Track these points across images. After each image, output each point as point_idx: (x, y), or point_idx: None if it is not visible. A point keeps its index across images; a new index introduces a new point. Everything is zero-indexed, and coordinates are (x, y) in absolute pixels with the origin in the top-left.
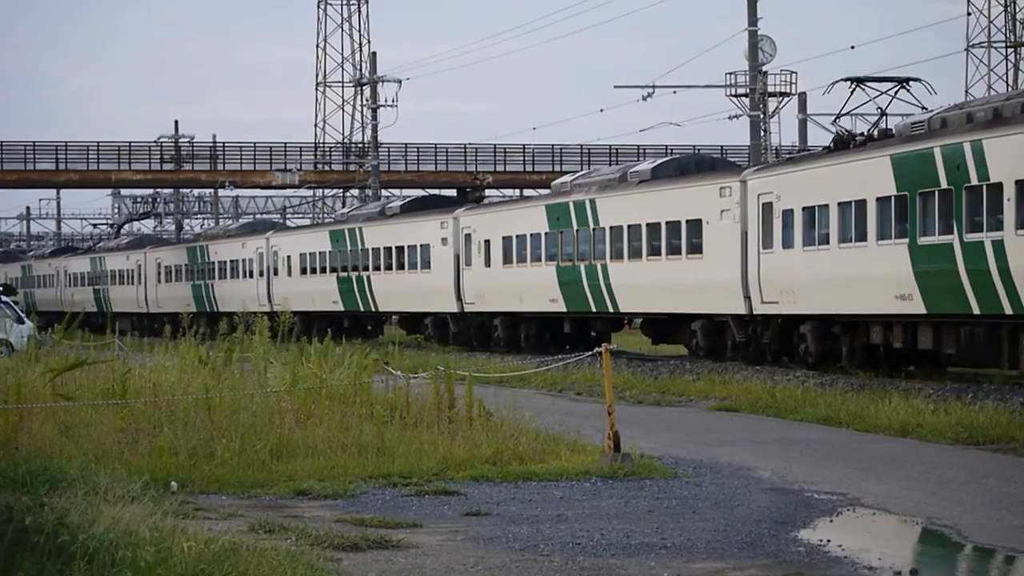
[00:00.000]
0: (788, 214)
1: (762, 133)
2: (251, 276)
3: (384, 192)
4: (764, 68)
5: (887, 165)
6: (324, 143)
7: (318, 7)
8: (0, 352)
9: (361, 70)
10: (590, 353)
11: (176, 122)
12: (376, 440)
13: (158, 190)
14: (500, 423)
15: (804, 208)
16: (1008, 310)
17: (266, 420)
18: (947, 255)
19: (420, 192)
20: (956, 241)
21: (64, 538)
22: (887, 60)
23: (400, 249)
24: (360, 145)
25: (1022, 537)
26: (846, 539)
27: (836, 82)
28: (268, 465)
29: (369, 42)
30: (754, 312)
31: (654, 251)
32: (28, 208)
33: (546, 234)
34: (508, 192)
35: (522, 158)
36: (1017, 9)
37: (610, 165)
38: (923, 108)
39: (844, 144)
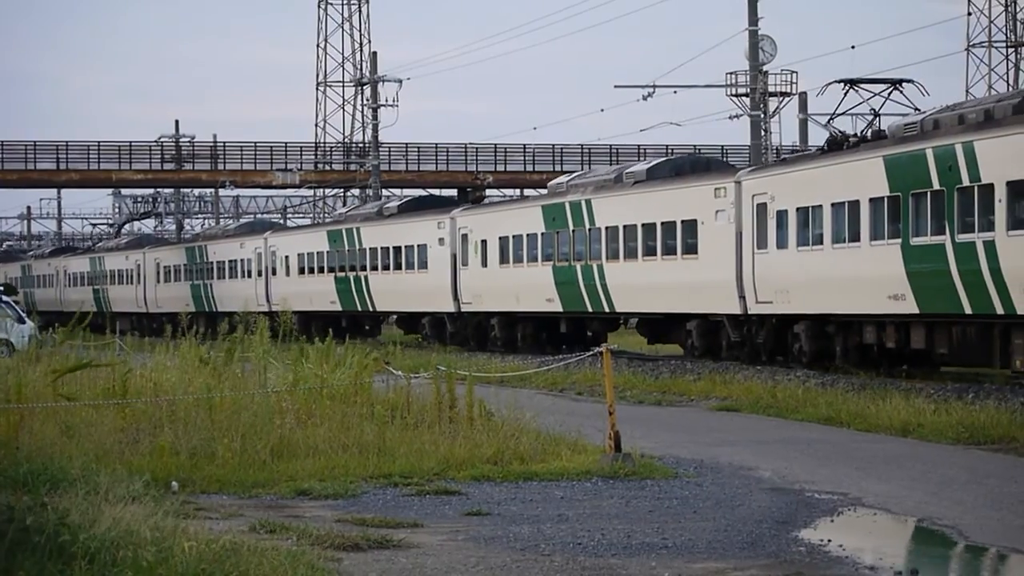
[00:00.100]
0: (782, 214)
1: (763, 133)
2: (249, 276)
3: (384, 192)
4: (764, 68)
5: (880, 166)
6: (325, 143)
7: (319, 7)
8: (1, 352)
9: (362, 70)
10: (591, 353)
11: (176, 122)
12: (377, 440)
13: (158, 190)
14: (501, 423)
15: (798, 208)
16: (1000, 310)
17: (267, 420)
18: (939, 255)
19: (420, 192)
20: (948, 242)
21: (65, 538)
22: (888, 60)
23: (397, 249)
24: (361, 145)
25: (1023, 537)
26: (847, 539)
27: (830, 83)
28: (269, 465)
29: (370, 42)
30: (749, 312)
31: (650, 251)
32: (29, 208)
33: (542, 234)
34: (509, 192)
35: (523, 158)
36: (1018, 9)
37: (611, 165)
38: (916, 109)
39: (838, 145)
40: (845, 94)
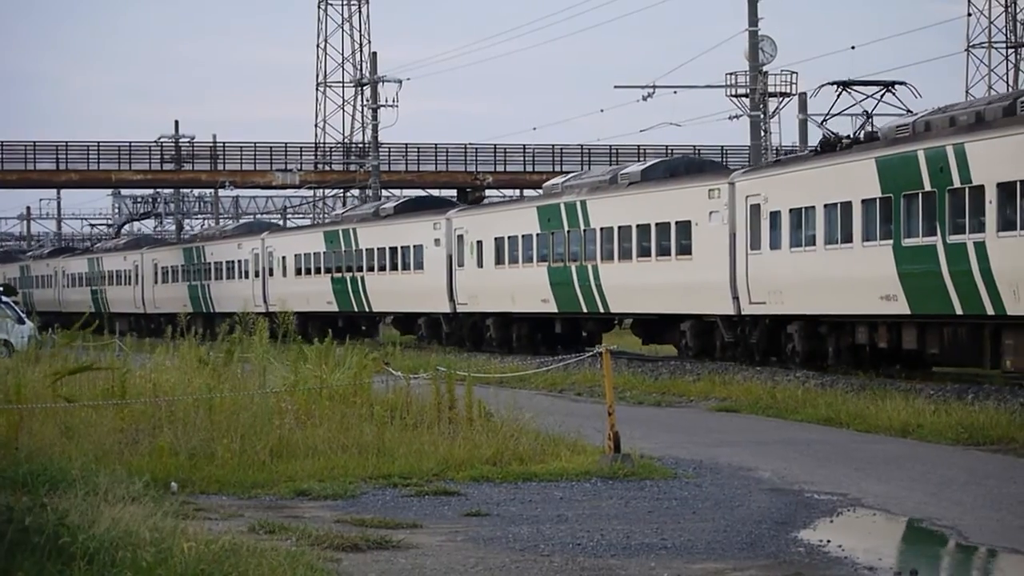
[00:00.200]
0: (775, 215)
1: (762, 133)
2: (247, 277)
3: (384, 192)
4: (764, 68)
5: (872, 167)
6: (324, 143)
7: (318, 7)
8: (0, 352)
9: (361, 70)
10: (590, 354)
11: (176, 122)
12: (376, 441)
13: (158, 190)
14: (500, 423)
15: (791, 210)
16: (990, 310)
17: (266, 420)
18: (930, 256)
19: (420, 192)
20: (939, 243)
21: (64, 538)
22: (888, 60)
23: (394, 250)
24: (360, 145)
25: (1022, 537)
26: (846, 539)
27: (823, 85)
28: (268, 465)
29: (369, 42)
30: (742, 312)
31: (644, 252)
32: (28, 208)
33: (537, 235)
34: (508, 192)
35: (522, 158)
36: (1018, 9)
37: (610, 165)
38: (908, 111)
39: (831, 146)
40: (838, 96)
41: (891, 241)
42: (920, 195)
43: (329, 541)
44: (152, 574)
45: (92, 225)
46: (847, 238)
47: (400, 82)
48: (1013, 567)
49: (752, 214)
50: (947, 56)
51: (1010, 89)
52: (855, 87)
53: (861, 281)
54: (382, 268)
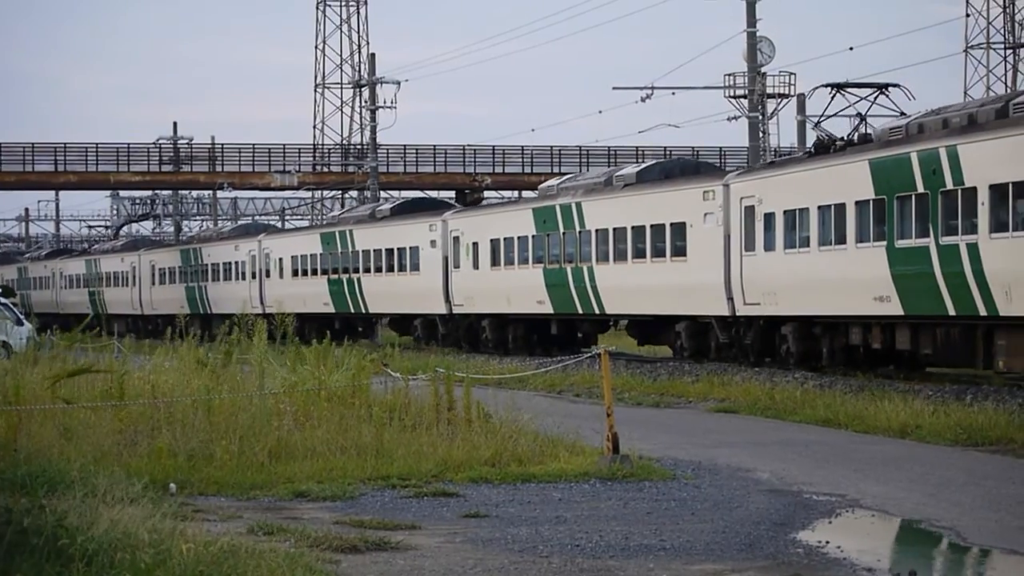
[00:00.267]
0: (770, 217)
1: (761, 135)
2: (243, 278)
3: (383, 194)
4: (763, 69)
5: (866, 169)
6: (323, 145)
7: (317, 8)
8: None
9: (360, 71)
10: (589, 355)
11: (175, 124)
12: (375, 442)
13: (157, 192)
14: (499, 425)
15: (785, 211)
16: (982, 311)
17: (265, 422)
18: (923, 258)
19: (418, 194)
20: (932, 244)
21: (63, 540)
22: (886, 61)
23: (390, 251)
24: (359, 147)
25: (1021, 538)
26: (845, 540)
27: (817, 88)
28: (267, 467)
29: (368, 43)
30: (737, 314)
31: (639, 254)
32: (27, 210)
33: (533, 237)
34: (507, 194)
35: (521, 160)
36: (1016, 10)
37: (609, 166)
38: (902, 113)
39: (824, 148)
40: (832, 98)
41: (884, 242)
42: (913, 197)
43: (328, 542)
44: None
45: (90, 227)
46: (841, 240)
47: (398, 83)
48: (1011, 568)
49: (747, 216)
50: (946, 57)
51: (1008, 90)
52: (849, 89)
53: (855, 282)
54: (378, 270)
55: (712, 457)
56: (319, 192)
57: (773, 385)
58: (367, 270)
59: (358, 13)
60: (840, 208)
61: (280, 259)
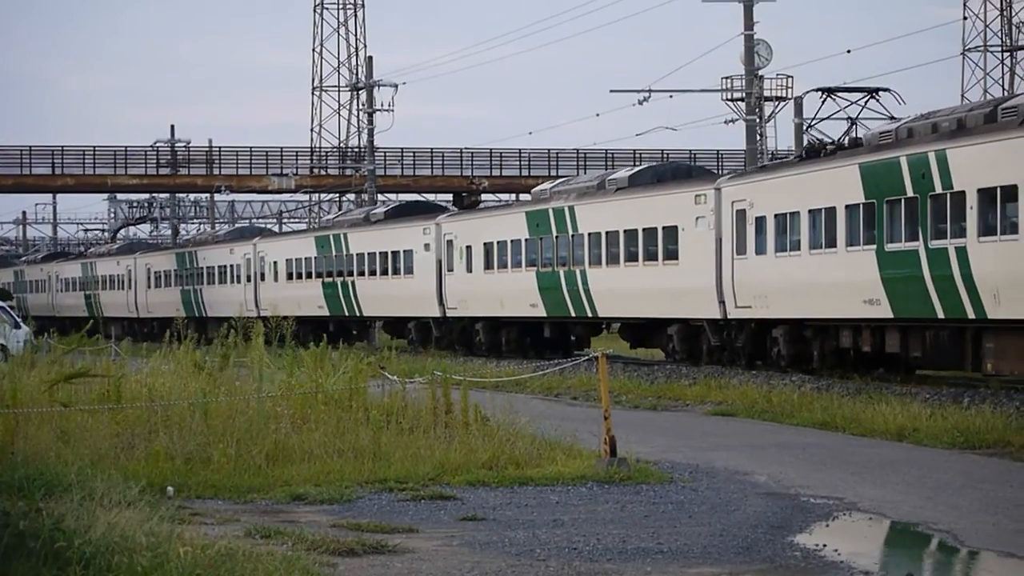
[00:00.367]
0: (761, 221)
1: (758, 137)
2: (238, 281)
3: (380, 197)
4: (760, 72)
5: (856, 173)
6: (320, 147)
7: (314, 11)
8: None
9: (357, 74)
10: (586, 358)
11: (172, 127)
12: (372, 445)
13: (154, 195)
14: (496, 428)
15: (776, 215)
16: (971, 314)
17: (262, 425)
18: (913, 261)
19: (416, 197)
20: (921, 248)
21: (60, 543)
22: (884, 64)
23: (384, 255)
24: (356, 150)
25: (1018, 541)
26: (842, 544)
27: (808, 92)
28: (264, 470)
29: (365, 46)
30: (728, 317)
31: (631, 257)
32: (24, 213)
33: (526, 240)
34: (504, 197)
35: (518, 163)
36: (1013, 13)
37: (606, 169)
38: (892, 117)
39: (815, 152)
40: (823, 102)
41: (874, 246)
42: (903, 201)
43: (325, 546)
44: None
45: (87, 230)
46: (831, 243)
47: (396, 86)
48: (1009, 571)
49: (738, 219)
50: (943, 60)
51: (1006, 92)
52: (840, 93)
53: (845, 285)
54: (372, 273)
55: (709, 460)
56: (316, 195)
57: (770, 388)
58: (361, 273)
59: (355, 16)
60: (830, 212)
61: (275, 262)
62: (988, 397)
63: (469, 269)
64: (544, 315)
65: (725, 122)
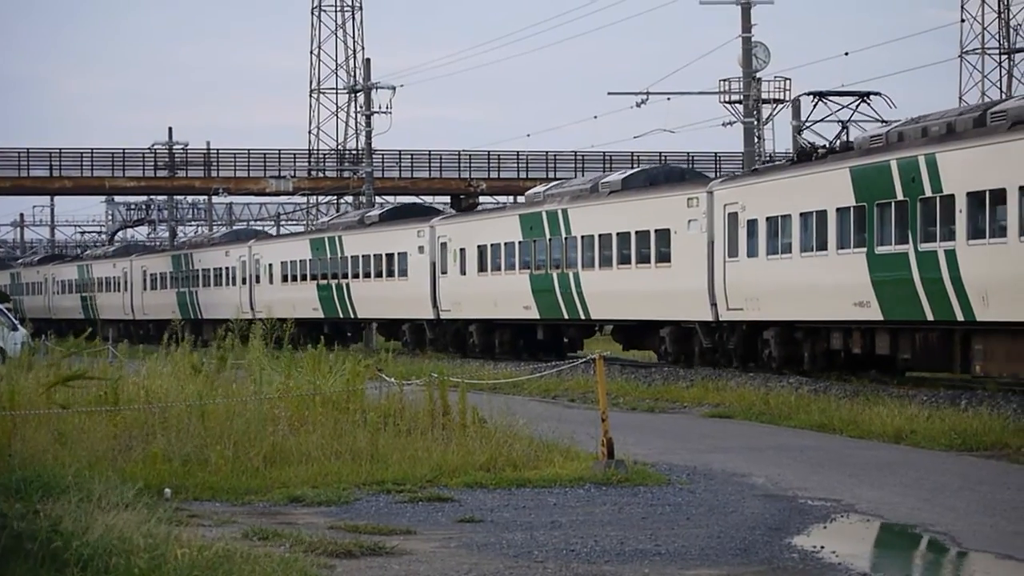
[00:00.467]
0: (753, 224)
1: (756, 140)
2: (234, 284)
3: (378, 199)
4: (758, 75)
5: (846, 177)
6: (318, 150)
7: (312, 14)
8: None
9: (355, 77)
10: (584, 360)
11: (170, 129)
12: (370, 447)
13: (152, 197)
14: (494, 430)
15: (768, 218)
16: (960, 317)
17: (260, 427)
18: (902, 264)
19: (414, 199)
20: (911, 250)
21: (57, 545)
22: (882, 66)
23: (378, 257)
24: (354, 152)
25: (1015, 543)
26: (840, 545)
27: (800, 96)
28: (262, 472)
29: (363, 49)
30: (720, 319)
31: (624, 260)
32: (22, 215)
33: (520, 243)
34: (502, 199)
35: (516, 165)
36: (1011, 16)
37: (604, 172)
38: (883, 121)
39: (806, 156)
40: (814, 106)
41: (865, 249)
42: (893, 204)
43: (323, 547)
44: None
45: (83, 232)
46: (822, 246)
47: (393, 88)
48: (1007, 573)
49: (730, 222)
50: (941, 62)
51: (1003, 94)
52: (831, 97)
53: (836, 288)
54: (367, 275)
55: (707, 462)
56: (314, 197)
57: (767, 390)
58: (356, 276)
59: (353, 19)
60: (821, 215)
61: (270, 265)
62: (985, 399)
63: (463, 271)
64: (537, 317)
65: (723, 124)
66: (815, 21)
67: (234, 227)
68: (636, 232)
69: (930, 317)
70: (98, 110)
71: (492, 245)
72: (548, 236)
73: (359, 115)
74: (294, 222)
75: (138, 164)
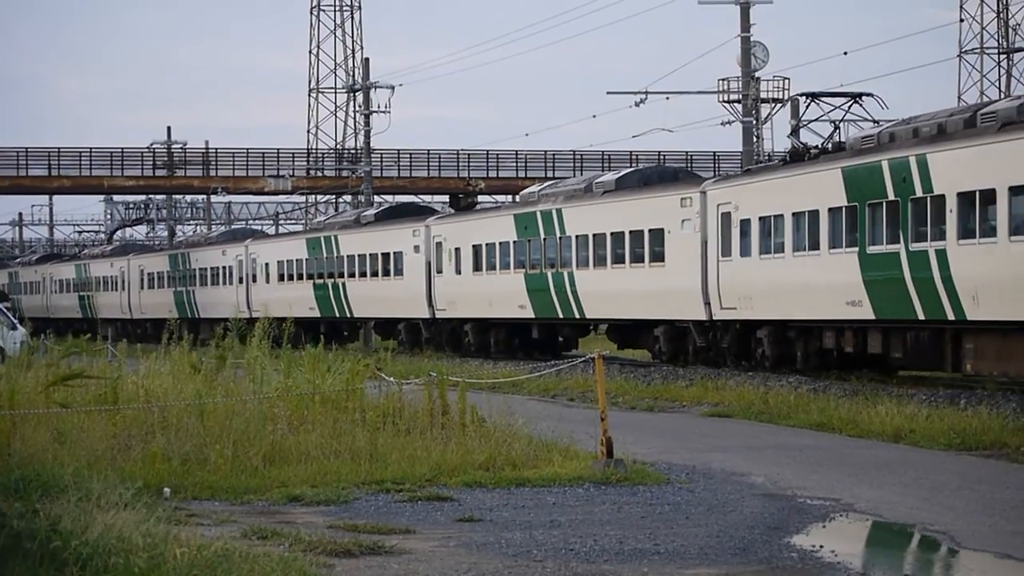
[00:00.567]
0: (746, 223)
1: (755, 139)
2: (231, 283)
3: (376, 198)
4: (757, 74)
5: (838, 177)
6: (317, 149)
7: (311, 14)
8: None
9: (354, 76)
10: (583, 359)
11: (168, 128)
12: (369, 446)
13: (150, 196)
14: (493, 429)
15: (761, 218)
16: (951, 316)
17: (259, 426)
18: (894, 263)
19: (412, 198)
20: (902, 250)
21: (57, 544)
22: (881, 66)
23: (374, 256)
24: (353, 151)
25: (1014, 543)
26: (839, 545)
27: (792, 97)
28: (261, 471)
29: (362, 48)
30: (714, 318)
31: (618, 259)
32: (20, 214)
33: (514, 242)
34: (501, 198)
35: (515, 164)
36: (1010, 15)
37: (603, 171)
38: (875, 122)
39: (799, 156)
40: (807, 107)
41: (856, 249)
42: (884, 204)
43: (322, 547)
44: None
45: (81, 231)
46: (814, 246)
47: (392, 88)
48: (1006, 573)
49: (723, 222)
50: (940, 62)
51: (1002, 94)
52: (824, 98)
53: (828, 287)
54: (363, 274)
55: (706, 461)
56: (313, 197)
57: (767, 389)
58: (352, 275)
59: (352, 18)
60: (814, 215)
61: (267, 264)
62: (984, 399)
63: (458, 271)
64: (532, 316)
65: (722, 124)
66: (814, 21)
67: (232, 226)
68: (630, 232)
69: (921, 316)
70: (97, 110)
71: (487, 245)
72: (543, 236)
73: (358, 114)
74: (293, 221)
75: (137, 163)
